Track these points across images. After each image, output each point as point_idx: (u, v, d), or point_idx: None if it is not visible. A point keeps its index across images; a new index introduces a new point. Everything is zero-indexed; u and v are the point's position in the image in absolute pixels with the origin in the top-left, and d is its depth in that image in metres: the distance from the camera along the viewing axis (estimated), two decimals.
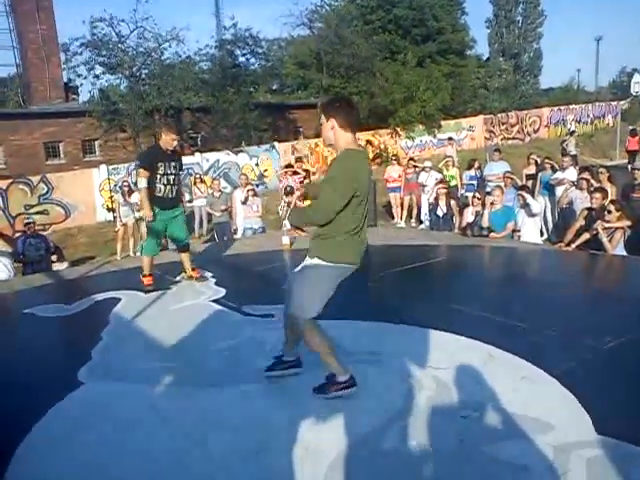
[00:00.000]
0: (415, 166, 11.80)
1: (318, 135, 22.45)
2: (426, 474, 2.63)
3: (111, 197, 14.24)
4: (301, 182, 11.14)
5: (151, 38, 18.08)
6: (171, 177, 5.68)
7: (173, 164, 5.69)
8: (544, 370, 3.50)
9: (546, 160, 10.65)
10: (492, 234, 7.75)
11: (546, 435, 2.83)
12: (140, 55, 18.17)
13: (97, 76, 18.45)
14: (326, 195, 3.09)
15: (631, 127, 21.35)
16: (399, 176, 11.79)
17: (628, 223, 6.54)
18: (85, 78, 18.47)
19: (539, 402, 3.16)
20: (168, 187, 5.68)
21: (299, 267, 3.34)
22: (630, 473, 2.52)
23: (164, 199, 5.71)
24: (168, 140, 5.64)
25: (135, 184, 11.11)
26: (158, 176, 5.62)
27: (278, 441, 2.93)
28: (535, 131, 27.82)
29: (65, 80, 22.38)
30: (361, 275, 6.00)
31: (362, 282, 5.80)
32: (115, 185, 13.93)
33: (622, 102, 28.36)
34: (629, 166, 15.25)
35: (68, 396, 3.54)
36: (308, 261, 3.28)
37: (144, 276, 5.85)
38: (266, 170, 18.33)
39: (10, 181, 14.37)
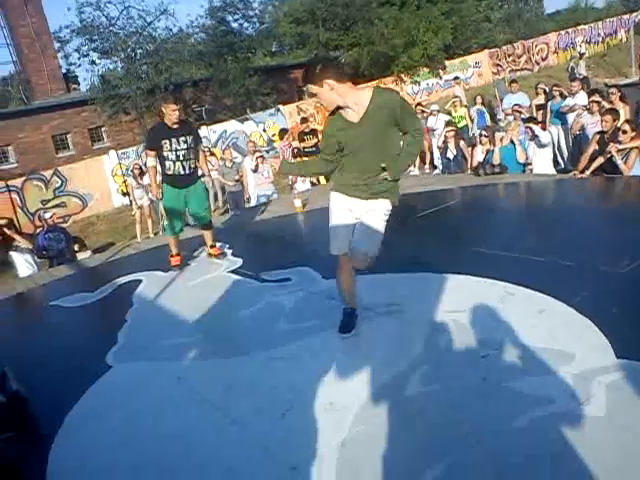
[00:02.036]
0: (423, 111, 11.58)
1: None
2: (450, 415, 2.65)
3: (124, 181, 14.34)
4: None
5: (139, 16, 17.87)
6: (181, 152, 5.47)
7: (182, 139, 5.47)
8: (562, 301, 3.48)
9: (554, 88, 10.36)
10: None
11: (567, 365, 2.83)
12: (132, 35, 17.99)
13: (93, 62, 18.41)
14: (420, 122, 3.39)
15: None
16: None
17: None
18: (79, 66, 18.46)
19: (559, 333, 3.15)
20: (178, 163, 5.49)
21: (369, 209, 3.35)
22: None
23: (175, 176, 5.54)
24: (168, 112, 5.41)
25: (145, 165, 11.14)
26: (166, 153, 5.47)
27: (303, 400, 2.98)
28: (543, 59, 27.03)
29: (64, 71, 22.34)
30: None
31: None
32: (127, 169, 14.00)
33: (635, 13, 27.15)
34: None
35: (98, 380, 3.65)
36: (380, 203, 3.34)
37: (171, 256, 5.84)
38: (274, 134, 18.19)
39: (24, 178, 14.54)
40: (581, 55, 18.72)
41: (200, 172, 5.85)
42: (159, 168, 5.73)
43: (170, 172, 5.54)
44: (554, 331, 3.19)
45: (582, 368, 2.78)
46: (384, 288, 4.29)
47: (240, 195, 10.22)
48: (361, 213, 3.37)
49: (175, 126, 5.47)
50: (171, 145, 5.45)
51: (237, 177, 10.20)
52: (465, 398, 2.76)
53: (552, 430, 2.42)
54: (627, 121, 6.79)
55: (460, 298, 3.82)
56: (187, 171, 5.58)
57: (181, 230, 5.91)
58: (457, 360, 3.10)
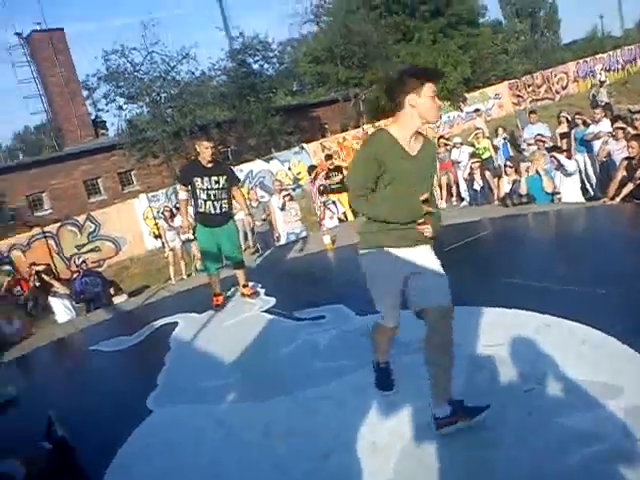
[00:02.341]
0: (446, 144, 11.65)
1: (344, 129, 22.46)
2: (496, 452, 2.61)
3: (156, 224, 14.58)
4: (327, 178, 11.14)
5: (162, 61, 18.41)
6: (212, 192, 5.52)
7: (214, 178, 5.52)
8: (604, 331, 3.43)
9: (577, 116, 10.37)
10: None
11: (616, 399, 2.77)
12: (156, 80, 18.52)
13: (120, 107, 18.96)
14: None
15: None
16: None
17: None
18: (107, 112, 19.02)
19: (603, 365, 3.11)
20: (209, 202, 5.55)
21: (421, 256, 2.92)
22: None
23: (206, 215, 5.60)
24: (202, 150, 5.50)
25: (175, 207, 11.27)
26: (197, 191, 5.54)
27: (345, 441, 2.96)
28: (564, 88, 27.07)
29: (93, 117, 23.08)
30: None
31: None
32: (157, 212, 14.25)
33: None
34: None
35: (140, 425, 3.68)
36: (428, 248, 2.97)
37: (214, 295, 5.86)
38: (299, 172, 18.40)
39: (59, 224, 14.89)
40: (602, 83, 18.74)
41: (233, 211, 5.93)
42: (191, 210, 5.83)
43: (202, 210, 5.62)
44: (597, 363, 3.14)
45: (632, 402, 2.72)
46: (421, 323, 4.27)
47: (268, 234, 10.30)
48: (413, 265, 2.90)
49: (209, 165, 5.54)
50: (203, 183, 5.53)
51: (264, 216, 10.29)
52: (511, 434, 2.71)
53: (609, 469, 2.35)
54: None
55: (497, 331, 3.78)
56: (218, 210, 5.62)
57: (220, 268, 5.93)
58: (500, 395, 3.05)
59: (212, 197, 5.57)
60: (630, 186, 6.47)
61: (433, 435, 2.83)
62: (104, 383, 4.69)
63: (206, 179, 5.53)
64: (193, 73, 19.46)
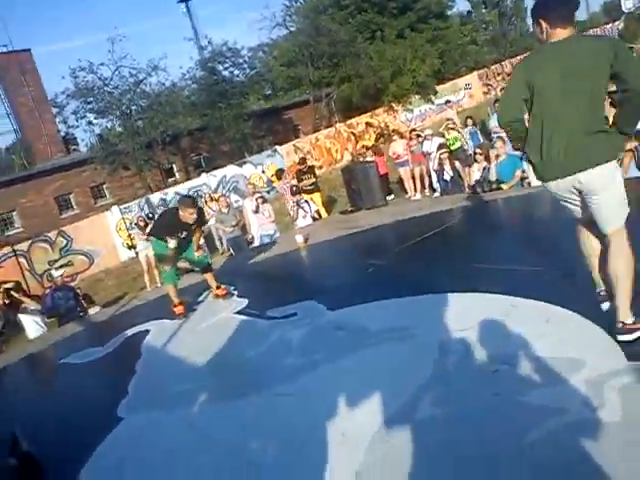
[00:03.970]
0: (418, 136, 11.66)
1: (317, 129, 22.45)
2: (464, 434, 2.60)
3: (129, 235, 14.46)
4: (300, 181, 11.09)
5: (130, 75, 18.27)
6: (181, 240, 5.69)
7: (186, 232, 5.68)
8: (567, 309, 3.44)
9: None
10: (503, 185, 7.63)
11: (578, 373, 2.78)
12: (125, 93, 18.38)
13: (90, 122, 18.79)
14: None
15: (629, 46, 20.96)
16: (404, 150, 11.67)
17: (635, 144, 6.36)
18: (77, 127, 18.86)
19: (567, 341, 3.11)
20: (175, 240, 5.65)
21: None
22: None
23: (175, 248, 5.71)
24: (186, 215, 5.53)
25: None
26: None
27: (315, 434, 2.94)
28: None
29: (63, 134, 22.84)
30: (378, 254, 6.06)
31: (380, 260, 5.79)
32: (130, 223, 14.12)
33: (617, 22, 27.67)
34: None
35: (111, 433, 3.63)
36: None
37: (174, 306, 5.82)
38: (273, 175, 18.35)
39: (29, 242, 14.66)
40: None
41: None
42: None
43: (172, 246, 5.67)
44: (562, 339, 3.15)
45: (593, 374, 2.73)
46: (392, 313, 4.26)
47: (241, 238, 10.22)
48: None
49: (186, 224, 5.62)
50: (177, 236, 5.63)
51: (234, 222, 10.17)
52: (478, 416, 2.71)
53: (571, 438, 2.36)
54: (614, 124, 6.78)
55: (466, 316, 3.78)
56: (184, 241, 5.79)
57: (178, 278, 5.96)
58: (468, 378, 3.05)
59: (180, 242, 5.69)
60: None
61: (402, 424, 2.82)
62: (74, 394, 4.62)
63: (181, 233, 5.64)
64: (163, 84, 19.37)
